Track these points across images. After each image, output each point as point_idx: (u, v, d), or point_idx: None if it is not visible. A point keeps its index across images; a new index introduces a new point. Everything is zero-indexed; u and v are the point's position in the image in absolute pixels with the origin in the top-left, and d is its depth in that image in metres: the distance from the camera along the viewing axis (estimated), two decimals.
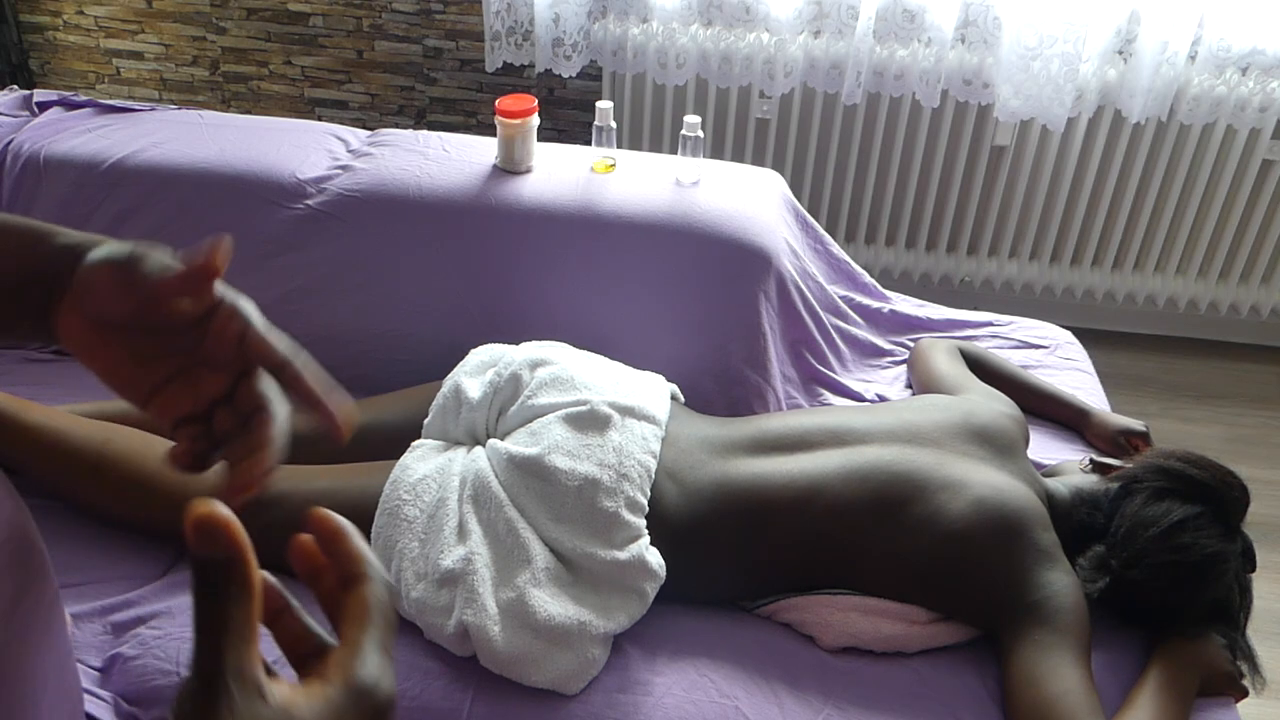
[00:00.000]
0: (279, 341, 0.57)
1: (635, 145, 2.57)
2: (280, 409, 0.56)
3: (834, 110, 2.49)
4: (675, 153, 1.81)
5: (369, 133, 1.90)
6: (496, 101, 1.70)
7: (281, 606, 0.44)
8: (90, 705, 1.14)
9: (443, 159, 1.76)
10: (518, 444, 1.30)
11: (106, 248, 0.57)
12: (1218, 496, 1.30)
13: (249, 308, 0.57)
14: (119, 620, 1.24)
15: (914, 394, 1.70)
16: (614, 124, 1.76)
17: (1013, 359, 1.79)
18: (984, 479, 1.31)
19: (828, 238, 1.90)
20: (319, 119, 2.85)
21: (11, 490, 0.54)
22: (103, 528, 1.35)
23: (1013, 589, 1.24)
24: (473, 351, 1.48)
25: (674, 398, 1.48)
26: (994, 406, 1.48)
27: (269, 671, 0.41)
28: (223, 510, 0.39)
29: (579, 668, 1.18)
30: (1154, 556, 1.26)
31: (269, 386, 0.57)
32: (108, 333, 0.56)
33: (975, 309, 2.03)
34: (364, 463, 1.35)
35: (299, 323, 1.68)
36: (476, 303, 1.67)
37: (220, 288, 0.57)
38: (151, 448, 1.35)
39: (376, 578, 0.45)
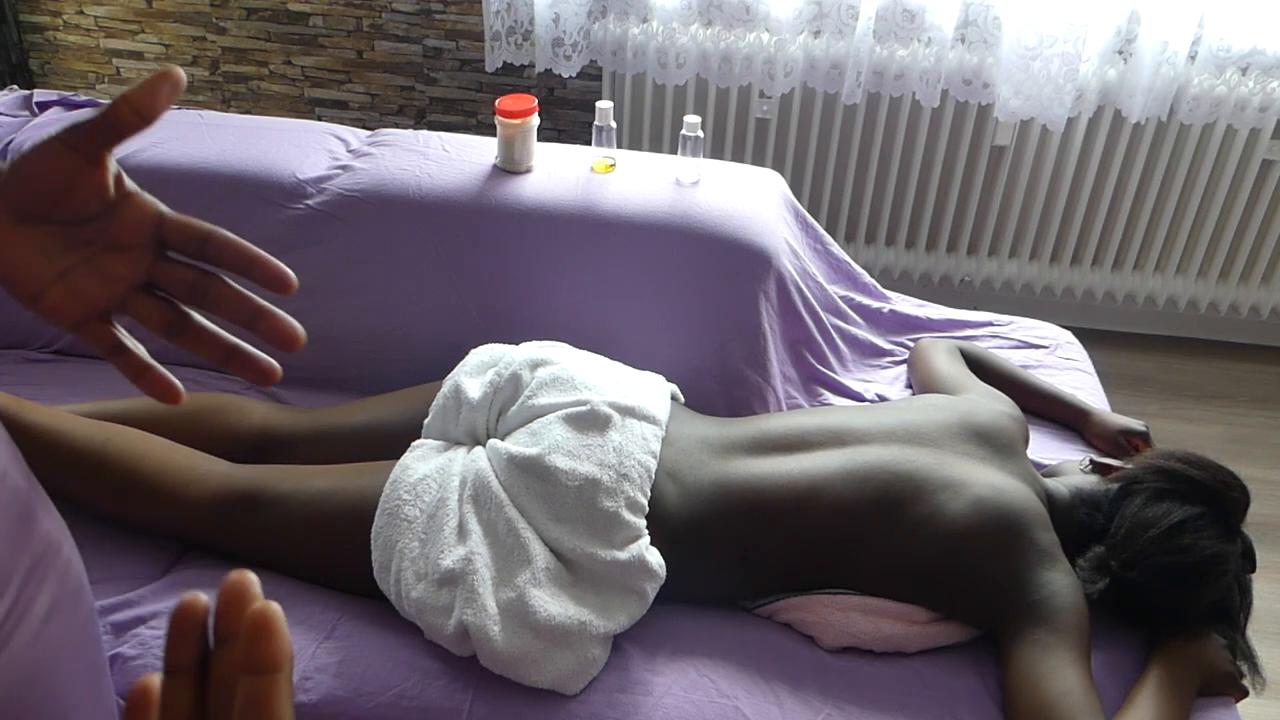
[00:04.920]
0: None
1: (635, 145, 2.57)
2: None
3: (834, 110, 2.49)
4: (675, 153, 1.81)
5: (369, 133, 1.90)
6: (496, 101, 1.70)
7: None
8: None
9: (443, 159, 1.76)
10: (518, 444, 1.30)
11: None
12: (1218, 497, 1.30)
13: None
14: (119, 620, 1.24)
15: (914, 394, 1.70)
16: (614, 124, 1.76)
17: (1013, 359, 1.79)
18: (984, 479, 1.31)
19: (828, 238, 1.90)
20: (319, 119, 2.85)
21: (50, 508, 0.53)
22: (103, 528, 1.35)
23: (1012, 589, 1.24)
24: (473, 351, 1.48)
25: (674, 398, 1.48)
26: (994, 406, 1.48)
27: None
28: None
29: (579, 668, 1.18)
30: (1154, 558, 1.26)
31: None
32: (18, 229, 0.56)
33: (975, 309, 2.03)
34: (364, 463, 1.35)
35: (298, 323, 1.69)
36: (476, 303, 1.67)
37: (131, 184, 0.58)
38: (152, 448, 1.35)
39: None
